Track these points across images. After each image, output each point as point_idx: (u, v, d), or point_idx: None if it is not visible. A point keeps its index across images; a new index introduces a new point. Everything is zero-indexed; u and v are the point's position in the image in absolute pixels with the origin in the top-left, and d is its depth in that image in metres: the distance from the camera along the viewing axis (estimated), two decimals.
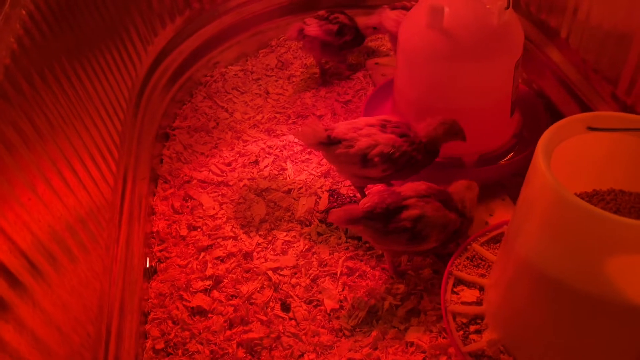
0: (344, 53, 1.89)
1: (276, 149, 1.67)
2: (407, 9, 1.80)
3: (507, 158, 1.49)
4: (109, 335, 1.09)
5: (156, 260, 1.39)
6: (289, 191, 1.53)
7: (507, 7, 1.29)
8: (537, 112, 1.56)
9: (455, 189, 1.23)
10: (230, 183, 1.57)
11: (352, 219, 1.14)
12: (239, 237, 1.42)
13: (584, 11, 1.37)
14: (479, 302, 1.14)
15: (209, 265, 1.35)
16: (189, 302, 1.28)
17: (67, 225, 1.02)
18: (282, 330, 1.21)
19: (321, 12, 1.86)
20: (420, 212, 1.14)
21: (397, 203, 1.15)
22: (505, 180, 1.47)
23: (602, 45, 1.32)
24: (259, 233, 1.42)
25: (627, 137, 0.94)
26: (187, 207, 1.52)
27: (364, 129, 1.30)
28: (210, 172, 1.61)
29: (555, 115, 1.54)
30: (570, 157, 0.97)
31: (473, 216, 1.24)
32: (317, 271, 1.32)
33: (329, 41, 1.82)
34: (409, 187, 1.19)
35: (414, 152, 1.29)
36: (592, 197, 1.03)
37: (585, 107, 1.41)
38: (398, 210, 1.15)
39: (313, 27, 1.81)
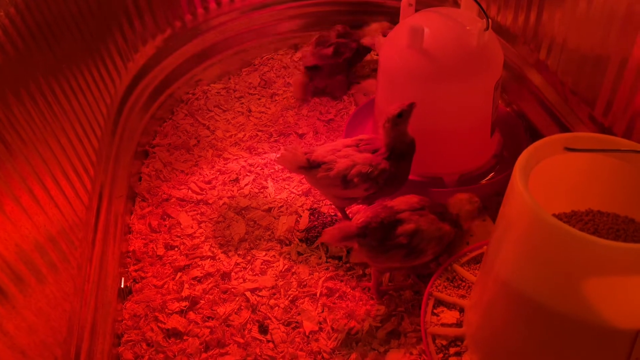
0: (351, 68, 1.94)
1: (257, 167, 1.66)
2: None
3: (487, 178, 1.49)
4: (78, 358, 1.05)
5: (131, 280, 1.35)
6: (269, 210, 1.51)
7: (487, 29, 1.30)
8: (517, 133, 1.57)
9: (455, 200, 1.23)
10: (210, 201, 1.55)
11: (347, 237, 1.11)
12: (217, 257, 1.39)
13: (561, 34, 1.39)
14: (459, 324, 1.13)
15: (186, 285, 1.32)
16: (164, 323, 1.24)
17: (36, 244, 0.99)
18: (260, 353, 1.18)
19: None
20: (415, 226, 1.13)
21: (391, 217, 1.13)
22: (486, 200, 1.46)
23: (579, 67, 1.34)
24: (238, 252, 1.40)
25: (604, 157, 0.94)
26: (165, 225, 1.49)
27: (342, 151, 1.30)
28: (190, 190, 1.59)
29: (535, 136, 1.55)
30: (548, 178, 0.97)
31: (468, 228, 1.25)
32: (297, 292, 1.29)
33: (331, 63, 1.85)
34: (401, 201, 1.18)
35: (388, 166, 1.27)
36: (570, 217, 1.03)
37: (564, 128, 1.42)
38: (392, 224, 1.13)
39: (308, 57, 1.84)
